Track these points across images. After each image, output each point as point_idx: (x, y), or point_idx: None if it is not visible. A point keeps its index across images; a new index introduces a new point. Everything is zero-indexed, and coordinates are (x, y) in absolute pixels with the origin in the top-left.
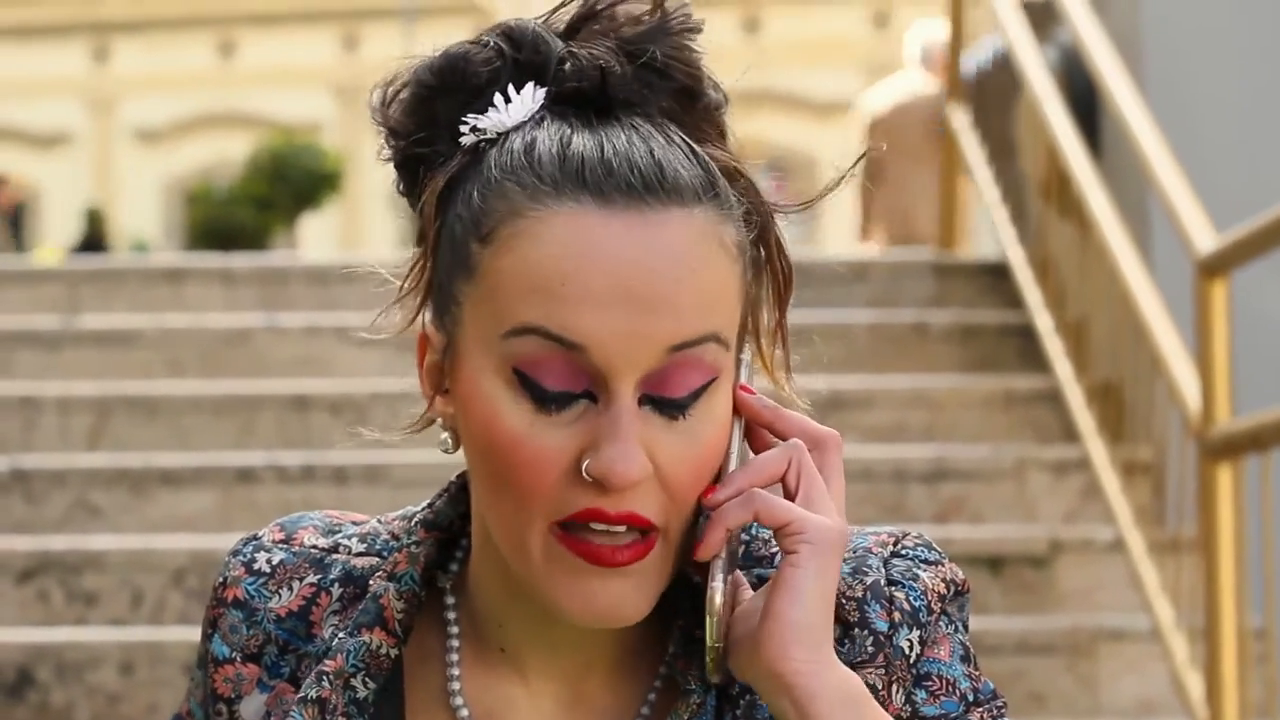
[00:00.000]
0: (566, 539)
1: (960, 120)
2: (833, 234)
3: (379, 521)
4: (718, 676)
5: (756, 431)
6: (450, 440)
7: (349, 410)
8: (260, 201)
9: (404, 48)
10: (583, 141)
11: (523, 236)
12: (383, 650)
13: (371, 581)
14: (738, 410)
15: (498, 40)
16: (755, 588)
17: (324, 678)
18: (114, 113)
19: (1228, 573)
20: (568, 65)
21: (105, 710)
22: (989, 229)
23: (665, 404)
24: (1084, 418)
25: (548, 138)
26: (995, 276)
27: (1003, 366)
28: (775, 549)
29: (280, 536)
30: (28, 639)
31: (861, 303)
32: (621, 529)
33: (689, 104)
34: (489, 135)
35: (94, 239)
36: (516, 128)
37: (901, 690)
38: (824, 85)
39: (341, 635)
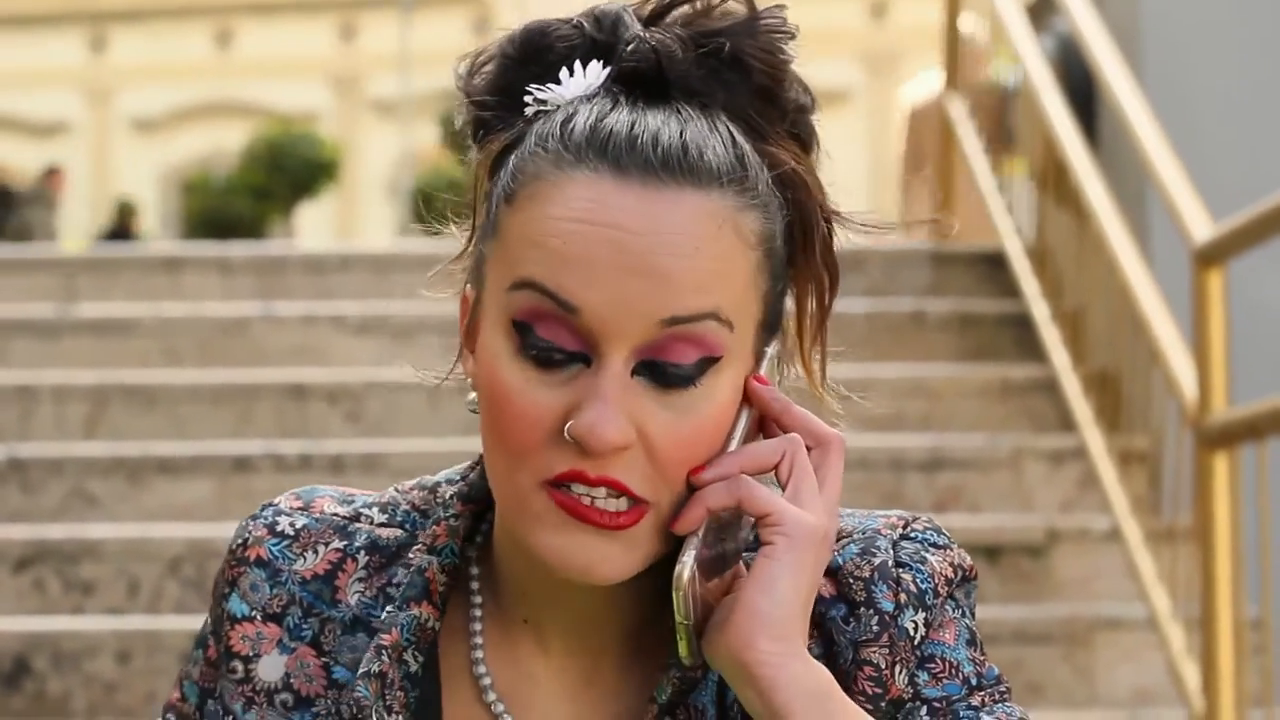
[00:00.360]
0: (555, 494)
1: (958, 110)
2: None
3: (396, 490)
4: (690, 658)
5: (768, 425)
6: (478, 401)
7: (346, 399)
8: (257, 191)
9: (401, 38)
10: (618, 118)
11: (537, 198)
12: (429, 624)
13: (411, 554)
14: (749, 400)
15: (583, 19)
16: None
17: (383, 652)
18: (111, 102)
19: (1224, 562)
20: (631, 47)
21: (102, 699)
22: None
23: (662, 373)
24: (1081, 407)
25: (588, 111)
26: (992, 266)
27: (1000, 356)
28: None
29: (299, 504)
30: (24, 628)
31: (859, 291)
32: (601, 492)
33: (765, 105)
34: (547, 107)
35: (123, 229)
36: (570, 101)
37: (905, 671)
38: (821, 75)
39: (390, 609)
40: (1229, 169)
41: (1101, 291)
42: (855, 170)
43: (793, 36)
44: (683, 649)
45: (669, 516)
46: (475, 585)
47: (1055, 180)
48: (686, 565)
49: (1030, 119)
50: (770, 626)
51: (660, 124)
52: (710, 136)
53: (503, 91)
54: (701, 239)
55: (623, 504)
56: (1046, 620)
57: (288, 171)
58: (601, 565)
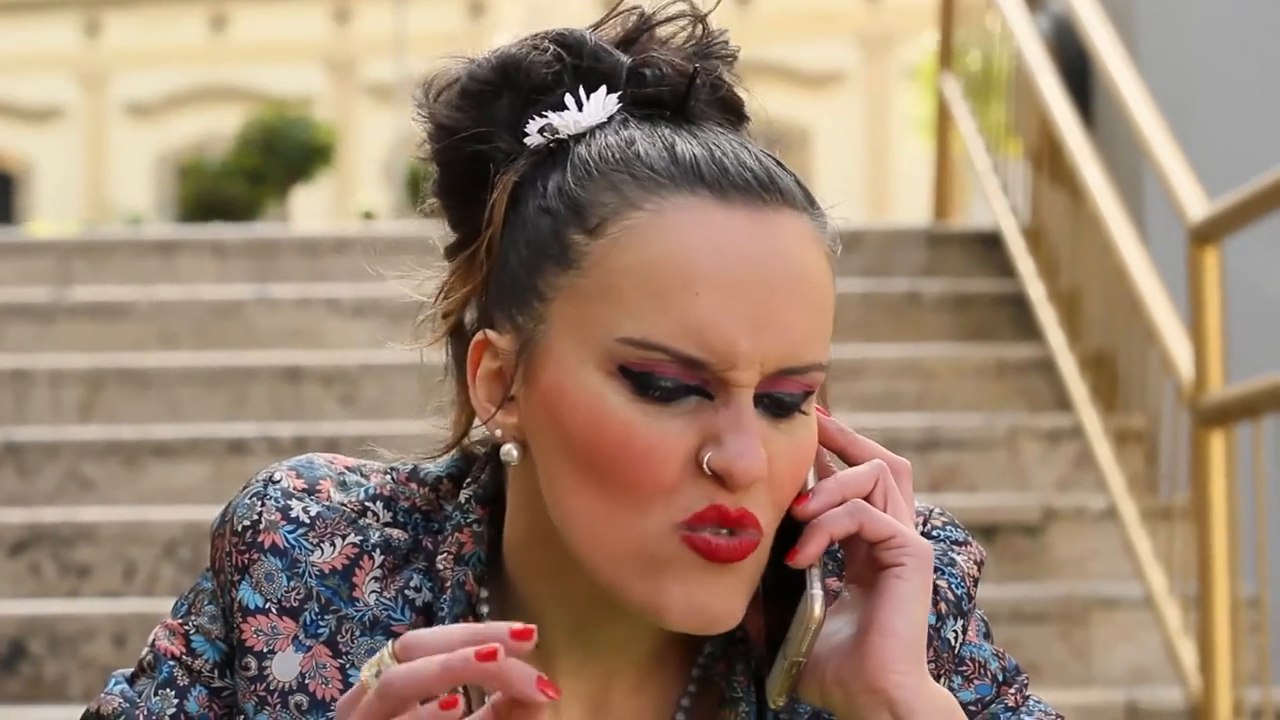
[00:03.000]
0: (691, 539)
1: (953, 90)
2: (825, 202)
3: (393, 481)
4: (784, 698)
5: (820, 454)
6: (515, 452)
7: (340, 382)
8: (252, 174)
9: (395, 21)
10: (687, 142)
11: (640, 231)
12: None
13: (440, 566)
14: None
15: (552, 45)
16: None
17: None
18: (106, 87)
19: (1220, 540)
20: (647, 73)
21: (98, 682)
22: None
23: (777, 403)
24: (1077, 386)
25: (644, 136)
26: (988, 246)
27: (996, 335)
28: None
29: (302, 485)
30: (20, 611)
31: (854, 272)
32: (724, 532)
33: (730, 116)
34: (561, 136)
35: None
36: (599, 127)
37: (946, 680)
38: (816, 56)
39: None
40: (1224, 147)
41: (1097, 271)
42: (851, 150)
43: (736, 58)
44: (783, 686)
45: (766, 551)
46: (485, 610)
47: (1050, 160)
48: (817, 600)
49: (1025, 99)
50: (907, 649)
51: (724, 144)
52: (760, 153)
53: (487, 120)
54: (811, 268)
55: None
56: (1043, 599)
57: (282, 155)
58: (722, 608)
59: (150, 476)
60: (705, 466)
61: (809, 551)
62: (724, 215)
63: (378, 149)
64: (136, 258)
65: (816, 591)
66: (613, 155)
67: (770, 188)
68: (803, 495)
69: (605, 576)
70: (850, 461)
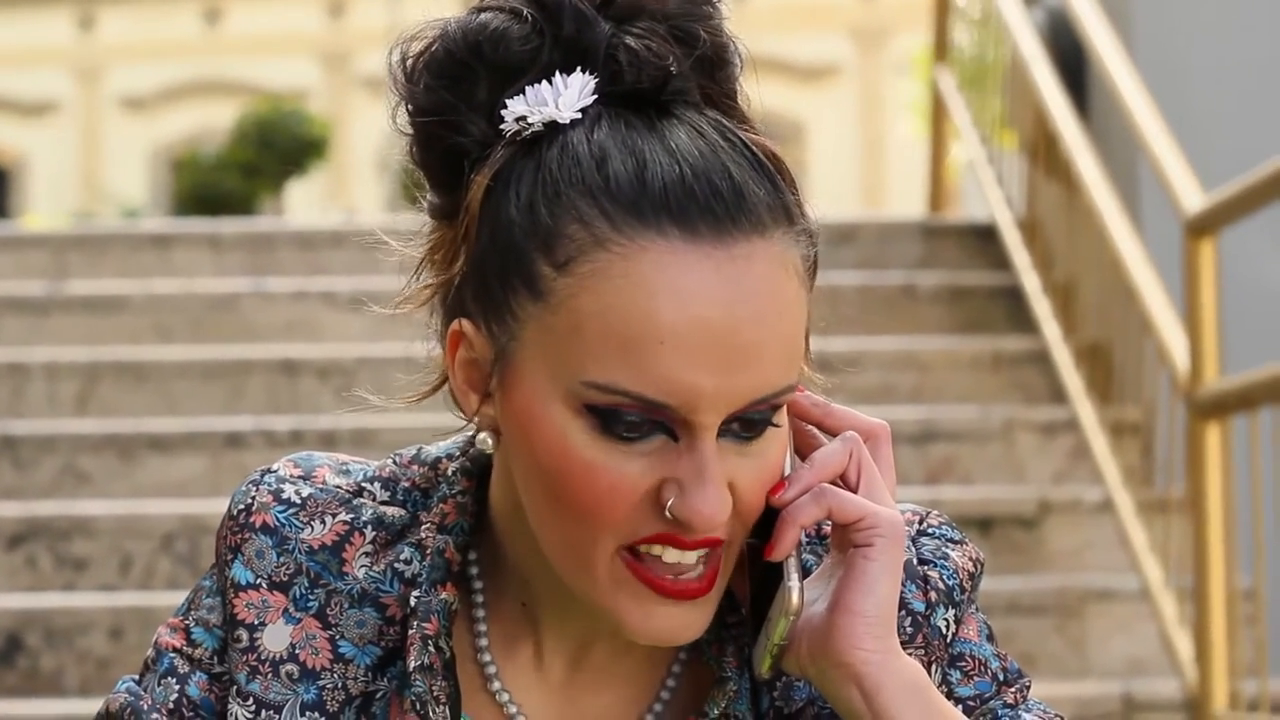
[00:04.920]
0: (634, 565)
1: (948, 83)
2: (820, 195)
3: (395, 464)
4: (770, 673)
5: (799, 427)
6: (490, 441)
7: (337, 375)
8: (247, 168)
9: (389, 14)
10: (656, 157)
11: (606, 276)
12: (454, 606)
13: (423, 532)
14: (788, 408)
15: (530, 12)
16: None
17: (429, 642)
18: (100, 81)
19: (1216, 533)
20: (623, 59)
21: (95, 675)
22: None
23: (746, 423)
24: (1072, 378)
25: (618, 150)
26: (983, 238)
27: (991, 328)
28: None
29: (298, 472)
30: (17, 605)
31: (850, 264)
32: (691, 558)
33: (713, 72)
34: (537, 127)
35: None
36: (572, 124)
37: (938, 669)
38: (810, 49)
39: (417, 593)
40: (1220, 139)
41: (1093, 263)
42: (845, 143)
43: (720, 15)
44: (769, 663)
45: (736, 552)
46: (475, 570)
47: (1046, 152)
48: (794, 590)
49: (1020, 91)
50: (873, 626)
51: (699, 157)
52: (737, 159)
53: (464, 99)
54: (780, 298)
55: (700, 568)
56: (1039, 591)
57: (277, 148)
58: (684, 631)
59: (147, 469)
60: (668, 512)
61: (783, 546)
62: (692, 257)
63: (372, 142)
64: (132, 251)
65: (793, 583)
66: (581, 175)
67: (739, 214)
68: (780, 482)
69: (570, 582)
70: (829, 432)
